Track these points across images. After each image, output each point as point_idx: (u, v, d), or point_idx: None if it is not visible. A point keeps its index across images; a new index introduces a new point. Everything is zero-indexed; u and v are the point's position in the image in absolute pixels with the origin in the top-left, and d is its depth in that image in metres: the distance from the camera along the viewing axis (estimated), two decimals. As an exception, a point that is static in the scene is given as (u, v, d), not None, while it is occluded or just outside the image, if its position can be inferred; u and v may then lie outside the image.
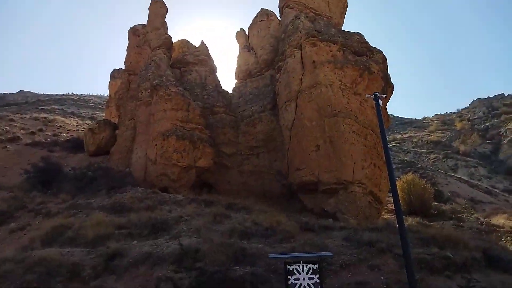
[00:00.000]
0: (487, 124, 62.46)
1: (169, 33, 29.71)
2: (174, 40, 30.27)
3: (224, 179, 22.90)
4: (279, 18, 26.75)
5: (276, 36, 25.97)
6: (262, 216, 13.25)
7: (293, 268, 8.15)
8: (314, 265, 8.18)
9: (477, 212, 26.47)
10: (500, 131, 57.08)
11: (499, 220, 22.67)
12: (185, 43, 31.33)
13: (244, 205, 16.27)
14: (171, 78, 24.76)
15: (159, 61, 26.29)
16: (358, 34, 21.21)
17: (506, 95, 79.28)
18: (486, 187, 37.97)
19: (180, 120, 22.25)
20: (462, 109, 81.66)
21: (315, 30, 20.31)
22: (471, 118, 69.84)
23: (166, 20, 30.94)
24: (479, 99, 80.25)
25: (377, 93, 11.17)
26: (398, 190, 24.23)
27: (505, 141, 53.54)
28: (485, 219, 22.86)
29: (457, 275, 9.84)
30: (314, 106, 18.48)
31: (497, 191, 37.83)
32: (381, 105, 11.33)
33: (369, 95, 13.37)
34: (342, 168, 16.98)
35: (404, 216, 21.69)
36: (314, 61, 19.13)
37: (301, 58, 20.02)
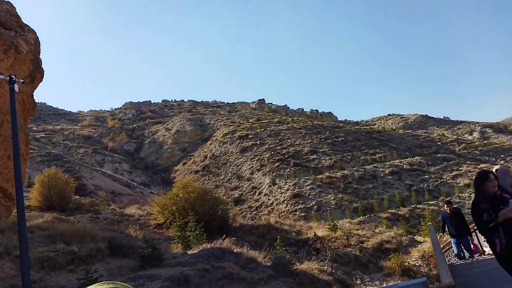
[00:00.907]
0: (135, 125, 71.05)
1: None
2: None
3: None
4: None
5: None
6: None
7: None
8: None
9: (115, 203, 29.01)
10: (144, 133, 66.45)
11: (132, 210, 25.98)
12: None
13: None
14: None
15: None
16: (9, 4, 17.81)
17: (152, 102, 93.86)
18: (127, 181, 42.65)
19: None
20: (115, 109, 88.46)
21: None
22: (122, 118, 76.98)
23: None
24: (131, 102, 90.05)
25: (13, 75, 9.70)
26: (39, 185, 22.70)
27: (146, 142, 62.78)
28: (120, 210, 25.44)
29: (80, 267, 10.17)
30: None
31: (135, 184, 43.43)
32: (17, 90, 9.93)
33: (2, 77, 11.42)
34: (-42, 159, 13.41)
35: (41, 212, 20.27)
36: None
37: None
